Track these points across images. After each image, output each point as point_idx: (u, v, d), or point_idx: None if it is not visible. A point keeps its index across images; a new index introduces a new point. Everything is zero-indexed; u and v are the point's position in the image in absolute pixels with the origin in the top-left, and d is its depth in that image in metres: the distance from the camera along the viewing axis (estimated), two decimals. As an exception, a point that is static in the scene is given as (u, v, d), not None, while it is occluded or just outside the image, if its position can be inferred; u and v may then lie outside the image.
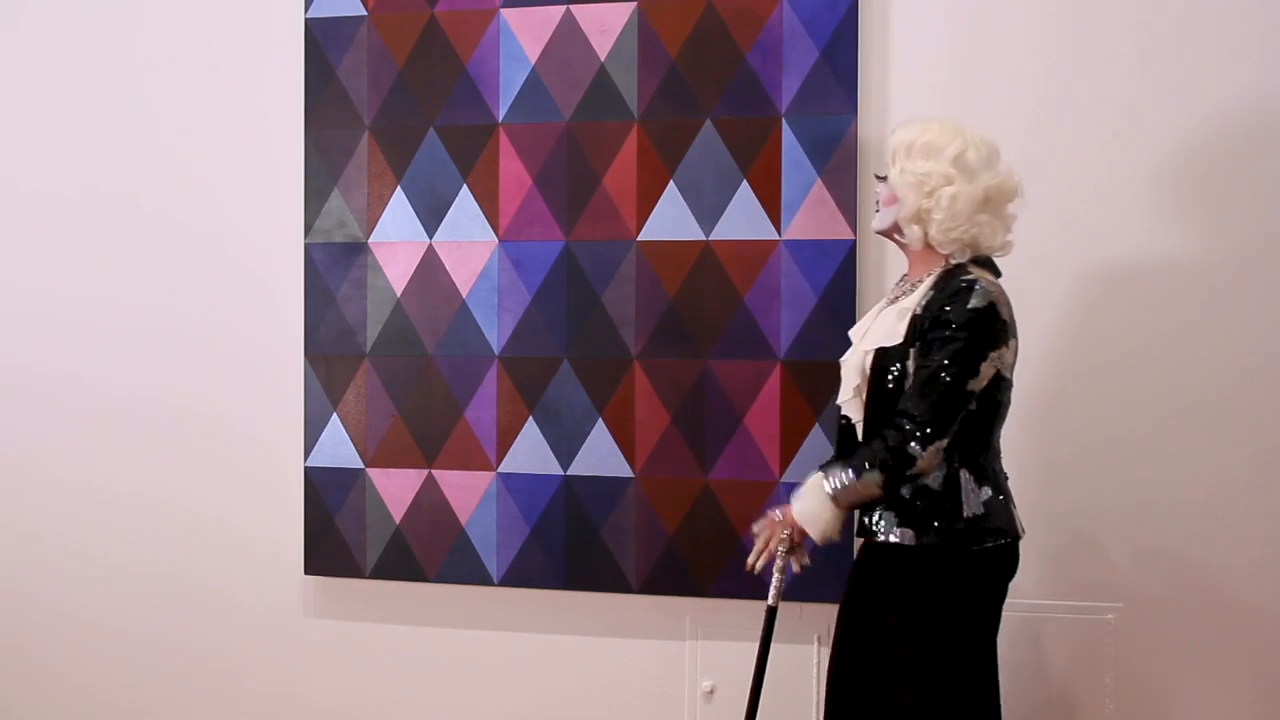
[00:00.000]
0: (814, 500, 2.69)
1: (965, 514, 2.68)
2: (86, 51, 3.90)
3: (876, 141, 3.37)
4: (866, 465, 2.63)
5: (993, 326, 2.65)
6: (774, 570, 2.77)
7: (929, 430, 2.60)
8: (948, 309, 2.64)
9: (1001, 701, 2.79)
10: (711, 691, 3.49)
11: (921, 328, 2.68)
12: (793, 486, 3.19)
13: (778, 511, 2.78)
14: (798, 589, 3.16)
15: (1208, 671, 3.27)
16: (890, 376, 2.70)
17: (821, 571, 3.11)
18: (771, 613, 2.73)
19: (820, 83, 3.37)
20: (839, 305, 3.35)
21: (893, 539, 2.70)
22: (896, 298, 2.82)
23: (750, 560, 2.76)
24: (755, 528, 2.84)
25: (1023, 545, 3.34)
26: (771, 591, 2.72)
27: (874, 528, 2.73)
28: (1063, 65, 3.30)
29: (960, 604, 2.70)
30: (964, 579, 2.70)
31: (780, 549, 2.77)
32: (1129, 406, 3.28)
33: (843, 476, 2.65)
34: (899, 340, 2.70)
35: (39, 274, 3.94)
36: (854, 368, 2.79)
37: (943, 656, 2.68)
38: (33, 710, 3.96)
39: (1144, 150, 3.26)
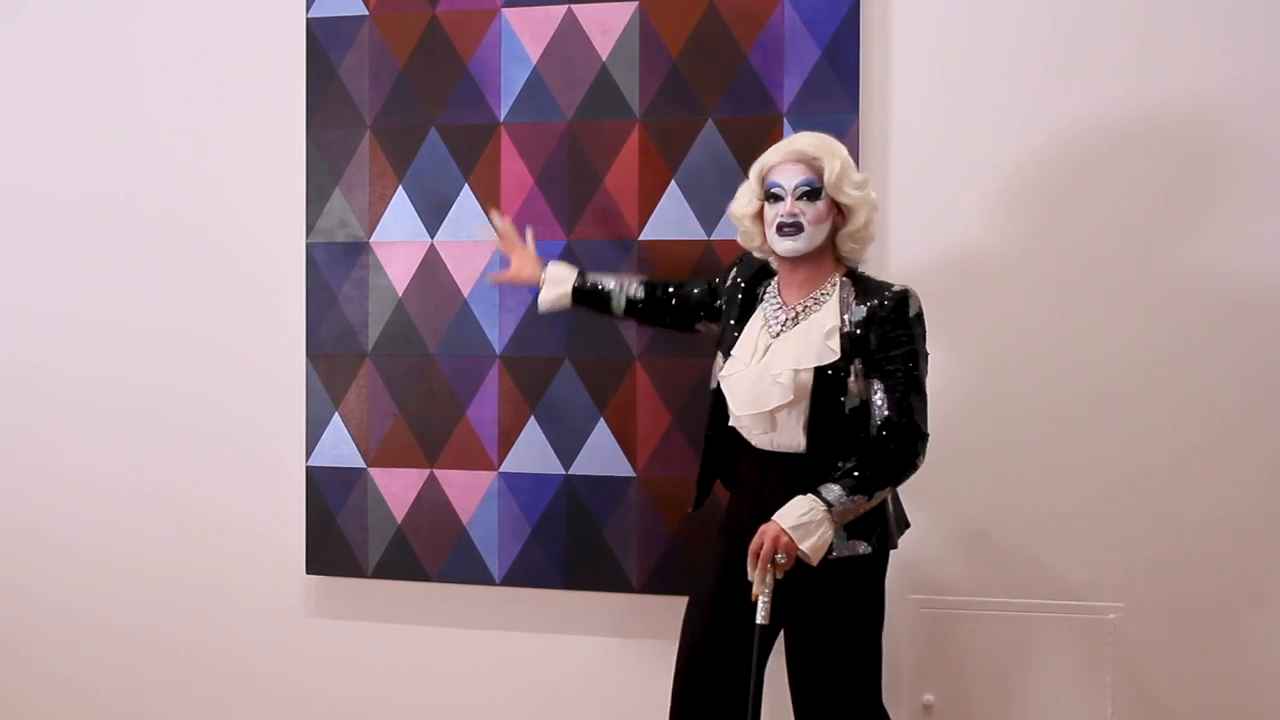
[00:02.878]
0: (819, 529, 2.64)
1: (892, 514, 2.82)
2: (87, 52, 3.90)
3: (878, 141, 3.37)
4: (877, 483, 2.67)
5: (925, 327, 2.78)
6: (763, 592, 2.70)
7: (927, 436, 2.72)
8: (899, 319, 2.72)
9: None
10: (713, 691, 3.49)
11: (861, 340, 2.72)
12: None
13: (766, 540, 2.65)
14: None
15: (1208, 672, 3.27)
16: (836, 392, 2.72)
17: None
18: (764, 631, 2.71)
19: (822, 82, 3.37)
20: (840, 305, 3.35)
21: (861, 550, 2.74)
22: (798, 316, 2.81)
23: (755, 592, 2.69)
24: (752, 559, 2.70)
25: (1025, 544, 3.37)
26: (761, 611, 2.69)
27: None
28: (1065, 63, 3.29)
29: (879, 602, 2.83)
30: (881, 577, 2.83)
31: (771, 576, 2.69)
32: (1130, 407, 3.28)
33: (845, 499, 2.65)
34: (835, 357, 2.73)
35: (41, 273, 3.95)
36: (776, 386, 2.75)
37: (872, 653, 2.81)
38: (36, 710, 3.97)
39: (1144, 148, 3.26)
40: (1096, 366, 3.29)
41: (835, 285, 2.81)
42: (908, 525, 2.93)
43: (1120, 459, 3.29)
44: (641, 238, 3.49)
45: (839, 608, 2.77)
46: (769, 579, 2.67)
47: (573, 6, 3.52)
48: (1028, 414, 3.32)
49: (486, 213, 3.48)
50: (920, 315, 2.75)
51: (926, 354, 2.76)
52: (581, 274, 3.25)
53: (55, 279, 3.94)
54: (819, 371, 2.73)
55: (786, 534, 2.63)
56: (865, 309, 2.74)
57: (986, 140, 3.33)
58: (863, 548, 2.74)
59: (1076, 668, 3.32)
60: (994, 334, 3.32)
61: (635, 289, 3.20)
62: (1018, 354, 3.32)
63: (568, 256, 3.52)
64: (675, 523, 3.47)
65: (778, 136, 3.36)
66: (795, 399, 2.74)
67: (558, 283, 3.25)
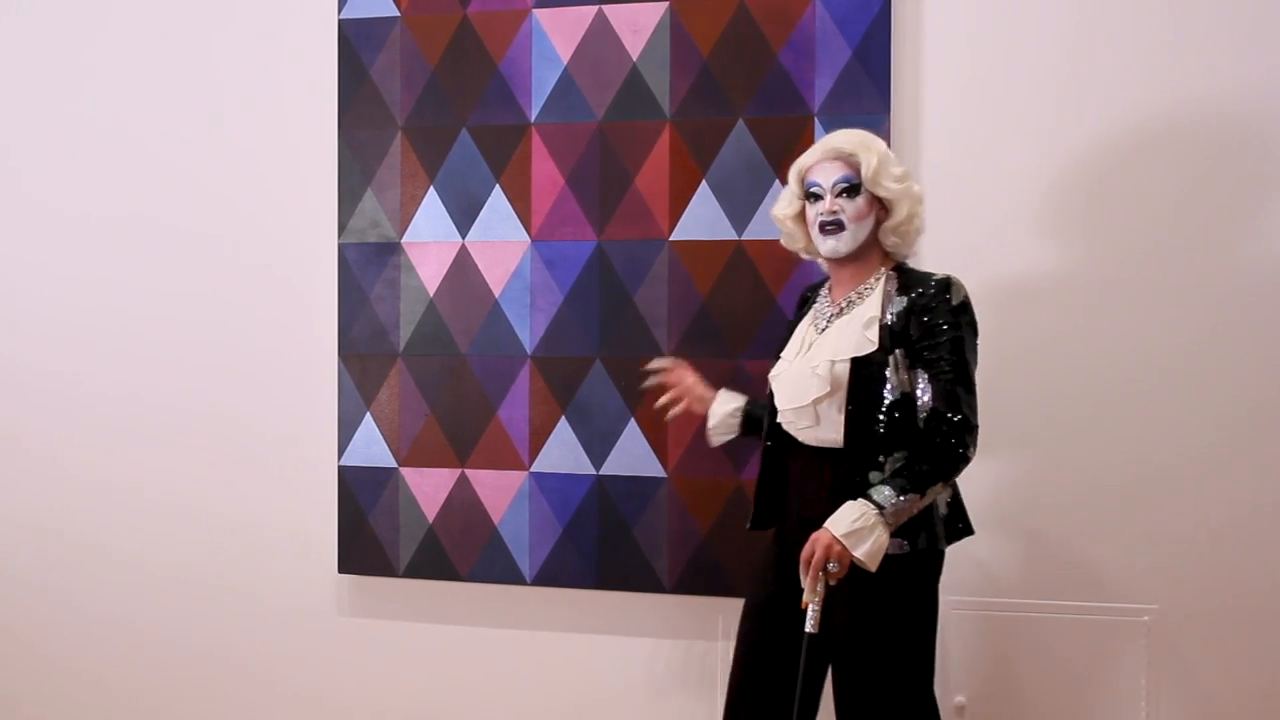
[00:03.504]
0: (872, 534, 2.59)
1: (944, 514, 2.76)
2: (124, 55, 3.93)
3: (910, 141, 3.36)
4: (929, 479, 2.62)
5: (973, 315, 2.74)
6: (814, 600, 2.67)
7: (975, 427, 2.67)
8: (942, 308, 2.69)
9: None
10: (744, 691, 3.49)
11: (902, 331, 2.69)
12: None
13: (818, 548, 2.61)
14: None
15: (1243, 673, 3.25)
16: (876, 384, 2.69)
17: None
18: (812, 639, 2.68)
19: (853, 82, 3.37)
20: (872, 305, 3.34)
21: (890, 551, 2.66)
22: (842, 310, 2.80)
23: (805, 600, 2.65)
24: (804, 567, 2.66)
25: (1058, 545, 3.34)
26: (811, 619, 2.66)
27: None
28: (1095, 63, 3.28)
29: (930, 604, 2.77)
30: (933, 579, 2.77)
31: (822, 584, 2.66)
32: (1163, 407, 3.26)
33: (897, 499, 2.60)
34: (874, 348, 2.70)
35: (77, 284, 3.98)
36: (814, 378, 2.74)
37: (919, 657, 2.74)
38: (70, 715, 4.00)
39: (1175, 146, 3.24)
40: (1128, 365, 3.27)
41: (880, 279, 2.79)
42: (965, 530, 2.82)
43: (1153, 457, 3.27)
44: (672, 238, 3.49)
45: (882, 608, 2.71)
46: (820, 587, 2.63)
47: (603, 7, 3.53)
48: (1059, 414, 3.31)
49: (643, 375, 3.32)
50: (965, 304, 2.72)
51: (975, 343, 2.72)
52: (750, 403, 3.12)
53: (90, 285, 3.97)
54: (856, 362, 2.71)
55: (839, 542, 2.59)
56: (906, 300, 2.72)
57: (1019, 140, 3.32)
58: (898, 546, 2.68)
59: (1110, 669, 3.30)
60: (1026, 334, 3.31)
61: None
62: (1049, 354, 3.31)
63: (598, 256, 3.52)
64: (706, 523, 3.47)
65: (809, 136, 3.35)
66: (832, 390, 2.71)
67: (729, 419, 3.13)
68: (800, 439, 2.82)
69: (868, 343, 2.71)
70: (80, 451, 3.98)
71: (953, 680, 3.37)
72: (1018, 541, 3.33)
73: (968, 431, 2.65)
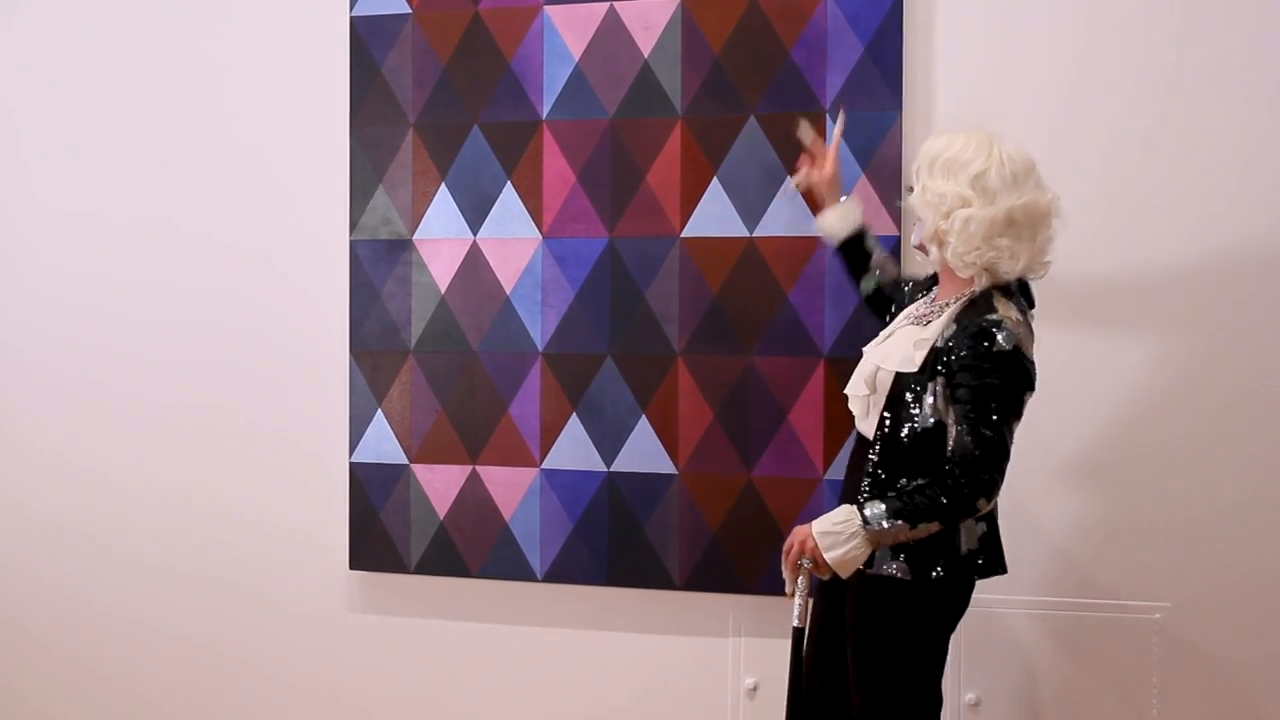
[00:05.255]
0: (848, 542, 2.57)
1: (962, 550, 2.66)
2: (131, 53, 3.94)
3: (921, 137, 3.34)
4: (923, 515, 2.53)
5: (1023, 367, 2.56)
6: (797, 593, 2.69)
7: (996, 481, 2.55)
8: (975, 351, 2.55)
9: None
10: (755, 689, 3.49)
11: (944, 363, 2.60)
12: (836, 484, 3.20)
13: (795, 541, 2.64)
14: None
15: (1255, 671, 3.24)
16: (910, 404, 2.63)
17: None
18: (799, 633, 2.68)
19: (865, 78, 3.36)
20: (884, 302, 3.33)
21: (887, 571, 2.64)
22: (924, 316, 2.74)
23: (787, 591, 2.68)
24: (783, 556, 2.69)
25: (1069, 544, 3.34)
26: (795, 611, 2.67)
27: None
28: (1107, 60, 3.27)
29: (939, 635, 2.71)
30: (940, 611, 2.70)
31: (803, 577, 2.67)
32: (1172, 405, 3.26)
33: (885, 521, 2.54)
34: (915, 369, 2.64)
35: (90, 283, 3.99)
36: (867, 376, 2.73)
37: (904, 684, 2.68)
38: (80, 711, 4.01)
39: (1186, 143, 3.24)
40: (1139, 363, 3.27)
41: (962, 299, 2.67)
42: (989, 569, 2.70)
43: (1165, 455, 3.26)
44: (684, 235, 3.49)
45: (869, 626, 2.69)
46: (802, 581, 2.64)
47: (615, 4, 3.52)
48: (1066, 414, 3.30)
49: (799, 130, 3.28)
50: (1005, 354, 2.53)
51: (1012, 395, 2.55)
52: (866, 231, 3.11)
53: (103, 284, 3.98)
54: (897, 377, 2.66)
55: (813, 539, 2.59)
56: (954, 329, 2.61)
57: (1030, 136, 3.27)
58: (892, 569, 2.63)
59: (1121, 668, 3.30)
60: (1036, 331, 3.29)
61: (884, 282, 3.07)
62: (1056, 353, 3.29)
63: (609, 253, 3.52)
64: (717, 520, 3.47)
65: (821, 133, 3.35)
66: (870, 393, 2.70)
67: (847, 214, 3.11)
68: (858, 427, 2.82)
69: (909, 362, 2.65)
70: (91, 449, 3.99)
71: (965, 678, 3.36)
72: (1029, 540, 3.32)
73: (976, 483, 2.52)
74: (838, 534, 2.57)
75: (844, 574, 2.59)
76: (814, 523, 2.62)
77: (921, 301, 2.84)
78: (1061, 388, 3.30)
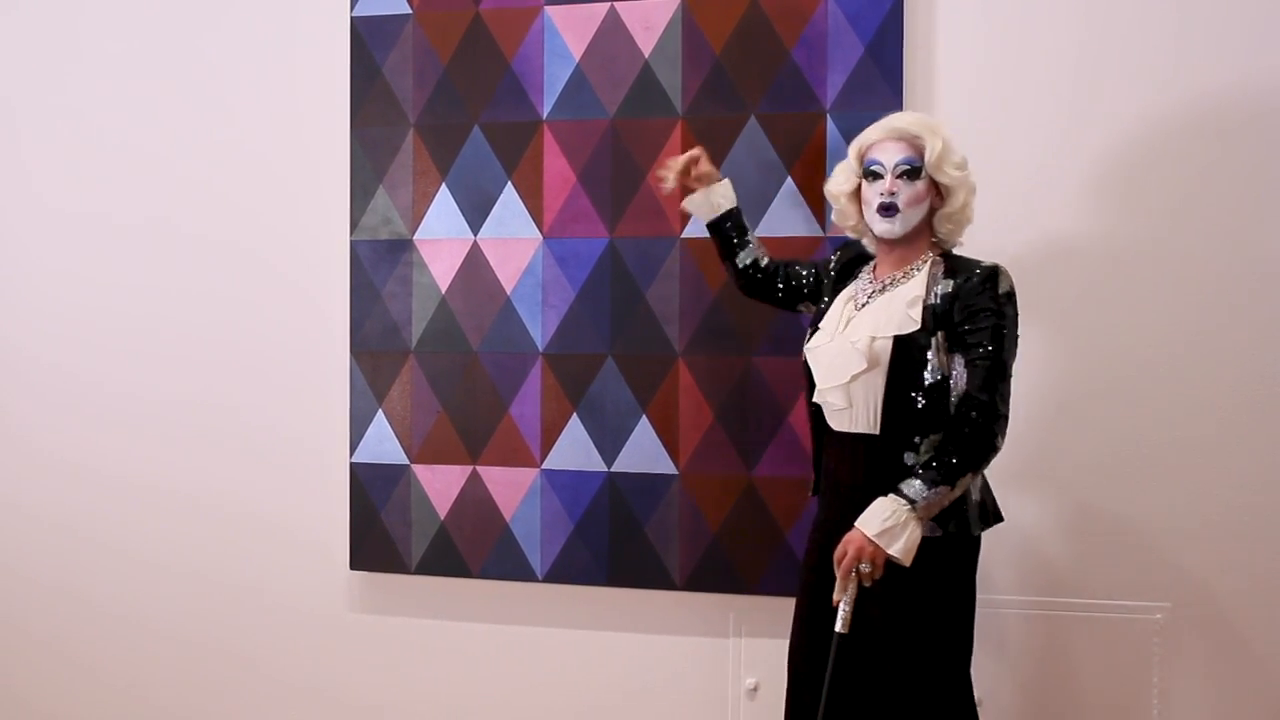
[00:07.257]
0: (905, 530, 2.57)
1: (974, 499, 2.72)
2: (132, 53, 3.94)
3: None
4: (958, 471, 2.59)
5: (1017, 309, 2.71)
6: (844, 601, 2.65)
7: (1004, 415, 2.64)
8: (989, 294, 2.66)
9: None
10: (755, 689, 3.49)
11: (945, 314, 2.67)
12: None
13: (850, 549, 2.61)
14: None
15: (1256, 672, 3.24)
16: (916, 364, 2.67)
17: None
18: (842, 639, 2.67)
19: (865, 78, 3.36)
20: (884, 302, 3.33)
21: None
22: (884, 287, 2.78)
23: (836, 597, 2.64)
24: (836, 565, 2.65)
25: (1071, 543, 3.34)
26: (840, 619, 2.65)
27: None
28: (1107, 58, 3.27)
29: (967, 590, 2.75)
30: (969, 564, 2.75)
31: (852, 585, 2.64)
32: (1177, 405, 3.25)
33: (928, 492, 2.58)
34: (916, 327, 2.68)
35: (93, 283, 3.99)
36: (854, 353, 2.72)
37: (955, 642, 2.72)
38: (82, 712, 4.01)
39: (1187, 140, 3.23)
40: (1141, 361, 3.26)
41: (926, 262, 2.77)
42: (996, 518, 2.80)
43: (1168, 455, 3.26)
44: (684, 235, 3.49)
45: (918, 594, 2.68)
46: (851, 588, 2.62)
47: (615, 4, 3.53)
48: (1066, 411, 3.30)
49: (660, 173, 3.24)
50: (1011, 294, 2.69)
51: (1015, 335, 2.69)
52: (738, 212, 3.16)
53: (105, 284, 3.98)
54: (897, 341, 2.69)
55: (872, 542, 2.58)
56: (952, 284, 2.70)
57: (1030, 136, 3.31)
58: (930, 529, 2.65)
59: (1123, 668, 3.29)
60: (1037, 329, 3.30)
61: (762, 258, 3.13)
62: (1059, 350, 3.30)
63: (610, 254, 3.52)
64: (717, 520, 3.47)
65: (820, 133, 3.35)
66: (870, 367, 2.69)
67: (714, 199, 3.15)
68: (833, 425, 2.81)
69: (910, 321, 2.69)
70: (91, 449, 3.99)
71: (965, 678, 3.36)
72: (1031, 540, 3.32)
73: (996, 419, 2.62)
74: (893, 527, 2.58)
75: (908, 561, 2.59)
76: (862, 526, 2.60)
77: (863, 279, 2.87)
78: (1062, 388, 3.30)
